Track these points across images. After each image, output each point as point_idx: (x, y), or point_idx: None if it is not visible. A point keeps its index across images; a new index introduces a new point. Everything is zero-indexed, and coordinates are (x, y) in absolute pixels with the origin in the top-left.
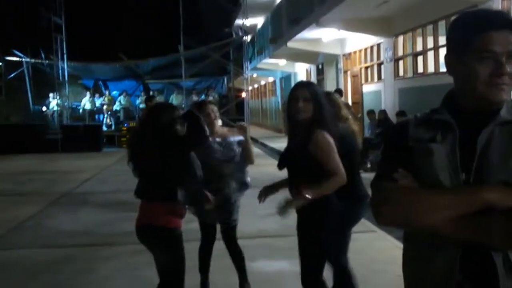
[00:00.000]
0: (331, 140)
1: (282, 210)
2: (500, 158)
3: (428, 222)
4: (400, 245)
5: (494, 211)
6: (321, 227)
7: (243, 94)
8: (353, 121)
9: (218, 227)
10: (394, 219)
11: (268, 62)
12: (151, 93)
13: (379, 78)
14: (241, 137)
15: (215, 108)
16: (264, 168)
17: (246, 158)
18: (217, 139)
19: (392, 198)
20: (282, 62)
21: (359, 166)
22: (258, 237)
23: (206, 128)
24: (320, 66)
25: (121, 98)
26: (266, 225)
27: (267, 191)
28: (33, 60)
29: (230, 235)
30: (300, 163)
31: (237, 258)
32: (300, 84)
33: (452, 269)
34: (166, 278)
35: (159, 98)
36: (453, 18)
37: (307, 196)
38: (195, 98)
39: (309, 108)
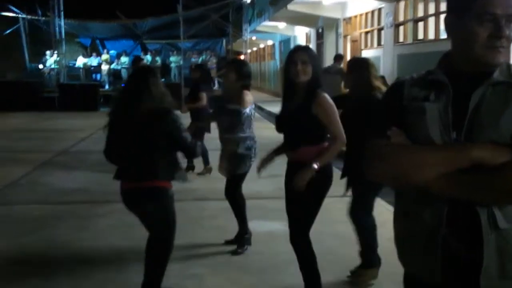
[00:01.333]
0: (332, 102)
1: (295, 185)
2: (491, 117)
3: (417, 179)
4: (391, 209)
5: (482, 168)
6: (315, 189)
7: (242, 57)
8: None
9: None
10: (385, 175)
11: (267, 25)
12: (148, 53)
13: (379, 43)
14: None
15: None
16: (261, 132)
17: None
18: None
19: (384, 154)
20: (281, 25)
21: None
22: (252, 198)
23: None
24: (320, 30)
25: (122, 57)
26: (261, 187)
27: (264, 162)
28: (29, 17)
29: (230, 185)
30: (300, 125)
31: (236, 208)
32: (299, 48)
33: (439, 223)
34: (160, 234)
35: (158, 59)
36: None
37: (315, 166)
38: (194, 59)
39: (308, 71)
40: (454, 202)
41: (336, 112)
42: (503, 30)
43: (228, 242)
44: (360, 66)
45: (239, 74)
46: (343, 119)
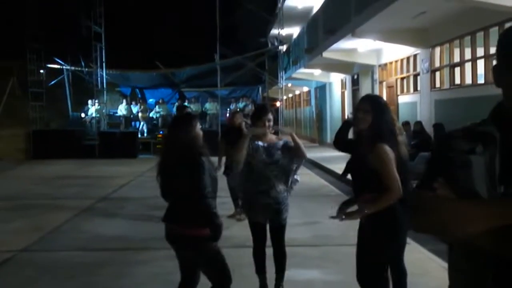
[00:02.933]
0: (390, 153)
1: (341, 217)
2: None
3: (462, 233)
4: (432, 257)
5: None
6: (387, 236)
7: (278, 104)
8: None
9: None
10: (429, 228)
11: (303, 71)
12: (186, 101)
13: (415, 89)
14: (284, 140)
15: (270, 117)
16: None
17: (296, 154)
18: (264, 144)
19: (429, 206)
20: (317, 72)
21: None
22: (289, 245)
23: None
24: (355, 77)
25: (158, 105)
26: (298, 234)
27: (345, 206)
28: (73, 68)
29: (278, 234)
30: (362, 173)
31: (281, 258)
32: (364, 97)
33: (487, 279)
34: (214, 280)
35: (194, 106)
36: (494, 29)
37: (365, 211)
38: (233, 106)
39: (368, 120)
40: (503, 258)
41: (392, 163)
42: None
43: None
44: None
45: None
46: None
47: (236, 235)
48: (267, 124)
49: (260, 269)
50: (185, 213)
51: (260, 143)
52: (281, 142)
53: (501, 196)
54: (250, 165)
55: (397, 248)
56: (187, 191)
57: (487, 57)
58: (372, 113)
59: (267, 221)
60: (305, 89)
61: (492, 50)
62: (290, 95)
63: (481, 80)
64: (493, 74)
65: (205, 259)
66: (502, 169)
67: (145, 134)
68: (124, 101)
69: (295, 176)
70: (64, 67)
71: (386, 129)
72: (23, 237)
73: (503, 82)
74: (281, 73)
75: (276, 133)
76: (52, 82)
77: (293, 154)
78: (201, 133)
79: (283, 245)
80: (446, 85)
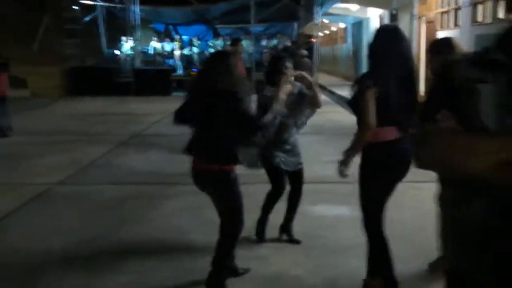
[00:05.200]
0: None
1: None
2: None
3: (468, 167)
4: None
5: None
6: (362, 175)
7: (313, 40)
8: None
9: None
10: (431, 162)
11: (339, 7)
12: (220, 38)
13: (456, 24)
14: (299, 86)
15: (289, 65)
16: (330, 115)
17: (312, 103)
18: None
19: (431, 139)
20: (354, 7)
21: None
22: (320, 182)
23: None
24: (393, 12)
25: (192, 43)
26: (329, 171)
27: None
28: (106, 4)
29: (299, 177)
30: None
31: (296, 199)
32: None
33: (490, 213)
34: (227, 217)
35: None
36: None
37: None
38: (264, 43)
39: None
40: (508, 192)
41: (368, 99)
42: None
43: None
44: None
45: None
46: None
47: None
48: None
49: (266, 210)
50: (209, 149)
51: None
52: (297, 89)
53: (510, 128)
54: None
55: (374, 192)
56: (218, 128)
57: None
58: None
59: (285, 166)
60: (342, 25)
61: None
62: (326, 32)
63: None
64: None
65: (224, 195)
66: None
67: (179, 72)
68: (158, 38)
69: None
70: (97, 3)
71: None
72: (58, 171)
73: None
74: (317, 8)
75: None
76: (86, 19)
77: (308, 102)
78: (242, 72)
79: (302, 186)
80: (489, 19)
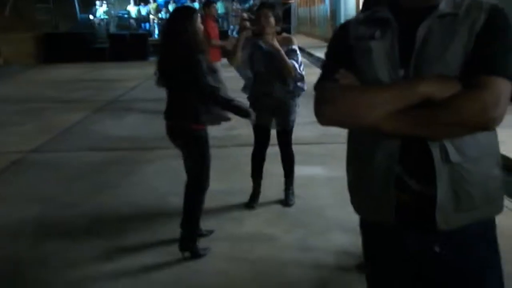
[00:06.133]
0: None
1: None
2: (438, 50)
3: (368, 119)
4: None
5: (432, 102)
6: None
7: (292, 1)
8: None
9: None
10: (335, 118)
11: None
12: (196, 1)
13: None
14: (291, 46)
15: (269, 14)
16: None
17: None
18: (265, 46)
19: (332, 97)
20: None
21: None
22: (295, 143)
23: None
24: None
25: (170, 6)
26: (305, 132)
27: None
28: None
29: (285, 137)
30: None
31: (288, 161)
32: None
33: (392, 162)
34: (192, 176)
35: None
36: None
37: None
38: (235, 6)
39: None
40: (406, 140)
41: None
42: None
43: (249, 206)
44: None
45: (278, 18)
46: None
47: (240, 134)
48: (263, 21)
49: (256, 174)
50: (179, 108)
51: (262, 44)
52: (285, 48)
53: (402, 79)
54: (252, 66)
55: None
56: (186, 86)
57: None
58: None
59: (271, 124)
60: None
61: None
62: None
63: None
64: None
65: (192, 153)
66: (400, 53)
67: (156, 36)
68: (133, 1)
69: (299, 84)
70: None
71: None
72: (33, 139)
73: None
74: None
75: (280, 33)
76: None
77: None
78: (201, 28)
79: (290, 148)
80: None
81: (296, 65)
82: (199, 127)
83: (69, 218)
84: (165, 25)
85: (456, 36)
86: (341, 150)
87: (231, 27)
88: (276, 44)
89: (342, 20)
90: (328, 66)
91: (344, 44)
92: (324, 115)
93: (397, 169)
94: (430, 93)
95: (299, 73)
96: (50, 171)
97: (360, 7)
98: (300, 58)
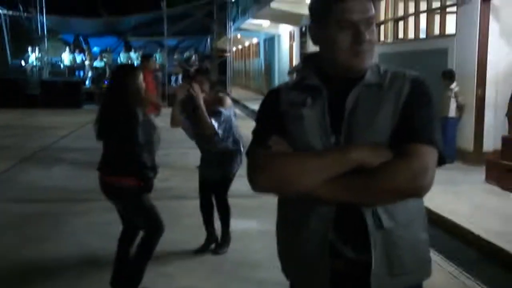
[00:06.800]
0: None
1: None
2: (367, 118)
3: (301, 186)
4: None
5: (363, 169)
6: None
7: (227, 54)
8: None
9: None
10: (268, 185)
11: (252, 22)
12: (132, 50)
13: None
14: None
15: (204, 81)
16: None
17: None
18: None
19: (265, 164)
20: (266, 23)
21: None
22: (230, 197)
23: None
24: (303, 29)
25: (103, 54)
26: (238, 185)
27: None
28: (10, 12)
29: (219, 188)
30: None
31: (224, 210)
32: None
33: (326, 228)
34: (147, 229)
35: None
36: None
37: None
38: (176, 56)
39: None
40: (340, 206)
41: None
42: (363, 36)
43: (198, 251)
44: None
45: (212, 82)
46: None
47: (176, 187)
48: (196, 89)
49: (207, 221)
50: (115, 162)
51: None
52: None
53: (334, 146)
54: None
55: None
56: (119, 140)
57: (430, 11)
58: None
59: (211, 176)
60: (254, 40)
61: (435, 4)
62: (240, 47)
63: (423, 35)
64: (309, 32)
65: (133, 208)
66: (331, 120)
67: (89, 84)
68: (68, 49)
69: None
70: (0, 11)
71: None
72: None
73: (315, 38)
74: (230, 23)
75: (217, 92)
76: None
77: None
78: (143, 86)
79: (225, 199)
80: (390, 39)
81: (216, 125)
82: (132, 181)
83: None
84: (109, 81)
85: (383, 105)
86: (272, 203)
87: (173, 77)
88: (200, 100)
89: (276, 74)
90: (260, 132)
91: (275, 110)
92: (257, 183)
93: (332, 235)
94: (361, 160)
95: (218, 133)
96: None
97: (293, 62)
98: (226, 119)
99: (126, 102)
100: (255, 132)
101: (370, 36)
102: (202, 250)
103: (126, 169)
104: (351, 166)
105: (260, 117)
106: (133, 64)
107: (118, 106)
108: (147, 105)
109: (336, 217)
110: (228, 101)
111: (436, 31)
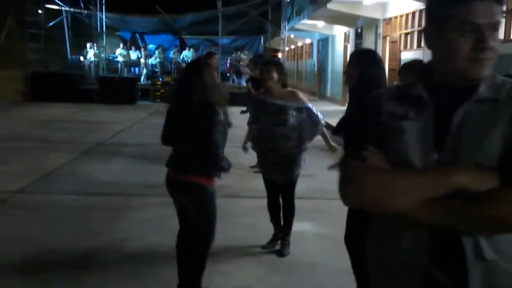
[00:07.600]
0: None
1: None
2: (475, 138)
3: (395, 205)
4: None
5: (465, 193)
6: None
7: (279, 55)
8: None
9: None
10: (361, 201)
11: (306, 23)
12: (187, 49)
13: (419, 45)
14: (307, 105)
15: (273, 70)
16: None
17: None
18: (273, 101)
19: (360, 178)
20: (320, 24)
21: None
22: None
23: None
24: (359, 30)
25: (158, 52)
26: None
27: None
28: (72, 10)
29: (287, 191)
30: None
31: (288, 213)
32: (354, 51)
33: (419, 251)
34: (199, 230)
35: (194, 54)
36: None
37: None
38: (234, 55)
39: (354, 74)
40: (436, 230)
41: None
42: (487, 42)
43: (265, 247)
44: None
45: (283, 74)
46: None
47: (232, 185)
48: (267, 76)
49: (274, 220)
50: (189, 162)
51: (269, 99)
52: (296, 104)
53: (436, 164)
54: (259, 122)
55: None
56: (196, 137)
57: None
58: (357, 67)
59: (277, 178)
60: (308, 41)
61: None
62: (293, 47)
63: None
64: (423, 34)
65: (199, 208)
66: (435, 136)
67: (144, 80)
68: (124, 46)
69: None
70: (63, 8)
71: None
72: (18, 179)
73: (430, 41)
74: (284, 23)
75: (285, 86)
76: (51, 24)
77: (313, 128)
78: (218, 80)
79: (290, 201)
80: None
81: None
82: (208, 181)
83: (51, 263)
84: (181, 77)
85: (496, 124)
86: (328, 205)
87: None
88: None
89: (329, 75)
90: (355, 142)
91: (374, 120)
92: (348, 197)
93: (425, 259)
94: (464, 184)
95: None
96: (34, 214)
97: (346, 63)
98: (316, 112)
99: (205, 99)
100: (348, 140)
101: (493, 43)
102: (269, 246)
103: (203, 167)
104: (452, 189)
105: (355, 125)
106: (200, 60)
107: (197, 103)
108: (224, 102)
109: (431, 239)
110: (301, 94)
111: None
